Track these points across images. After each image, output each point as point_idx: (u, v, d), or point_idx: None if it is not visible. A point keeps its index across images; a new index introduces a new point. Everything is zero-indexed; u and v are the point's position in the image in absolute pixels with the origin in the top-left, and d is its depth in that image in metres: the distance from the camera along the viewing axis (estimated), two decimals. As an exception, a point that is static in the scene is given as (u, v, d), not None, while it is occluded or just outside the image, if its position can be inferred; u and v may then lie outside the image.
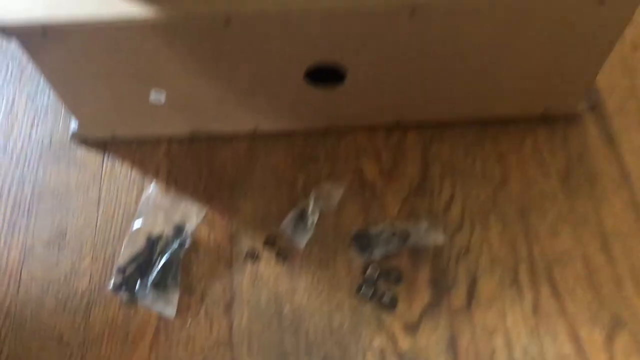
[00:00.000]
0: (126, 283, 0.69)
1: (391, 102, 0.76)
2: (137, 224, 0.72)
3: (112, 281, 0.69)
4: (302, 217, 0.73)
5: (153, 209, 0.72)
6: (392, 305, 0.69)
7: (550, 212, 0.74)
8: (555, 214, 0.73)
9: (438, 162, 0.77)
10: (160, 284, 0.69)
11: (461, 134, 0.79)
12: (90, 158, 0.78)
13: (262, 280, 0.71)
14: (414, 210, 0.74)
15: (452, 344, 0.67)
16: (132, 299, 0.69)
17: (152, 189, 0.71)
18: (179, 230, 0.72)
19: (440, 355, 0.66)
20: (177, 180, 0.76)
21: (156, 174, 0.76)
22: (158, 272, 0.69)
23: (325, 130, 0.79)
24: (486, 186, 0.76)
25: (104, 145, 0.79)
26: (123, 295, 0.69)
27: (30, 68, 0.86)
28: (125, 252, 0.71)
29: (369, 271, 0.71)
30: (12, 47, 0.86)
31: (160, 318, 0.68)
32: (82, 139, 0.79)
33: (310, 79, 0.69)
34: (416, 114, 0.78)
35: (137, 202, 0.75)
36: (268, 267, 0.71)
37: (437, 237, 0.71)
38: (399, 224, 0.72)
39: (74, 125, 0.79)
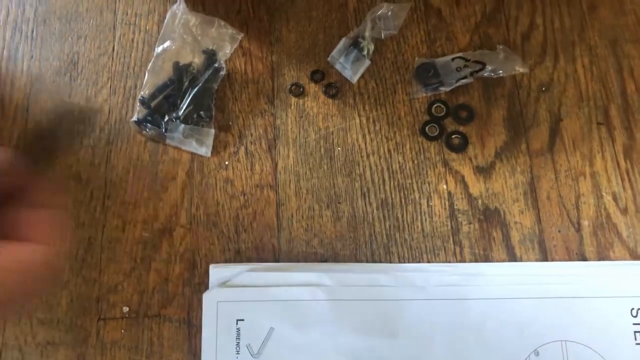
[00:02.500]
0: (151, 118, 0.59)
1: None
2: (161, 49, 0.60)
3: (135, 116, 0.59)
4: (355, 46, 0.62)
5: (180, 31, 0.60)
6: (462, 146, 0.59)
7: (648, 44, 0.62)
8: (655, 45, 0.62)
9: (515, -14, 0.65)
10: (192, 119, 0.59)
11: (543, -47, 0.66)
12: (102, -23, 0.66)
13: (309, 118, 0.61)
14: (487, 41, 0.63)
15: (532, 189, 0.58)
16: (160, 136, 0.59)
17: (178, 5, 0.59)
18: (211, 57, 0.60)
19: (518, 201, 0.57)
20: (206, 3, 0.64)
21: (181, -4, 0.64)
22: (188, 105, 0.59)
23: (380, -53, 0.66)
24: (571, 13, 0.64)
25: (117, -38, 0.67)
26: (148, 131, 0.59)
27: None
28: (149, 83, 0.60)
29: (434, 108, 0.61)
30: None
31: (194, 157, 0.59)
32: (90, -45, 0.66)
33: None
34: None
35: (159, 28, 0.63)
36: (316, 103, 0.61)
37: (518, 66, 0.60)
38: (471, 53, 0.61)
39: (79, -63, 0.66)
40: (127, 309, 0.54)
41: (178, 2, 0.59)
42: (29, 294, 0.32)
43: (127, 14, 0.64)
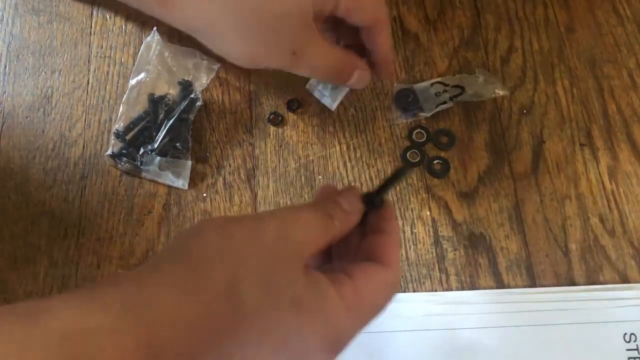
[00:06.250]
0: (127, 151, 0.58)
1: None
2: (136, 81, 0.59)
3: (109, 149, 0.58)
4: (333, 73, 0.61)
5: (154, 63, 0.59)
6: (444, 171, 0.58)
7: (626, 64, 0.62)
8: (633, 65, 0.62)
9: (492, 9, 0.65)
10: (168, 151, 0.58)
11: (519, -23, 0.66)
12: (77, 11, 0.65)
13: (288, 147, 0.60)
14: (466, 65, 0.63)
15: (517, 213, 0.57)
16: (135, 170, 0.57)
17: (152, 36, 0.59)
18: (186, 88, 0.60)
19: (503, 226, 0.56)
20: (182, 34, 0.64)
21: (156, 27, 0.63)
22: (164, 137, 0.57)
23: (356, -25, 0.66)
24: (550, 35, 0.64)
25: (92, -3, 0.66)
26: (124, 165, 0.57)
27: None
28: (124, 115, 0.59)
29: (415, 134, 0.60)
30: None
31: (170, 190, 0.58)
32: (65, -11, 0.66)
33: None
34: (466, -48, 0.65)
35: (135, 61, 0.62)
36: (295, 132, 0.60)
37: (498, 89, 0.59)
38: (450, 78, 0.61)
39: (54, -28, 0.65)
40: (102, 349, 0.52)
41: (152, 34, 0.59)
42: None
43: (101, 47, 0.63)
